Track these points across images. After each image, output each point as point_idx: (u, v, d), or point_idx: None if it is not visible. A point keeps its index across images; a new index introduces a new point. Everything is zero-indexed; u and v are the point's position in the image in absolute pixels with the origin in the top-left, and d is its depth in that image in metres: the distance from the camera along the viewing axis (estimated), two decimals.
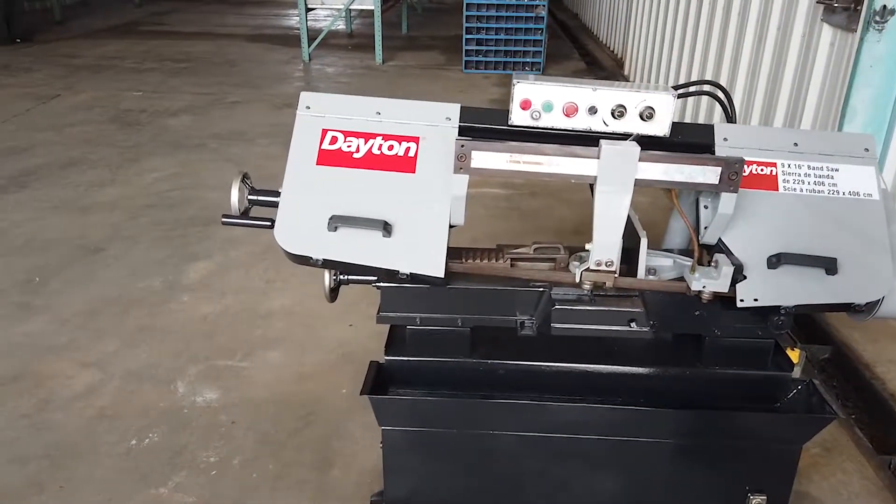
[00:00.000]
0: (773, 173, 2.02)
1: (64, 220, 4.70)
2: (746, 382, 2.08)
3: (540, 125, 1.97)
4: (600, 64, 10.00)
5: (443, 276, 1.91)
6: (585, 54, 10.97)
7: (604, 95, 1.94)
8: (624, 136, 1.94)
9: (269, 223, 2.02)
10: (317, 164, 1.99)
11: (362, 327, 3.43)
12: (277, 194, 2.03)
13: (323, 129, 2.02)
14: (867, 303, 1.92)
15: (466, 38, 9.52)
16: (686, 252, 2.14)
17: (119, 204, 4.97)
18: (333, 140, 2.02)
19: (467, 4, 9.35)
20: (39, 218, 4.71)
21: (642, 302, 1.96)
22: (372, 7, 10.10)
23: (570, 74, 9.66)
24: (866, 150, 2.04)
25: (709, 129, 2.07)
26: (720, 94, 2.22)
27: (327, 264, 1.95)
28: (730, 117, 2.21)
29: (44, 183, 5.32)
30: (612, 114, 1.96)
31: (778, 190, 2.00)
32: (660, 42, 7.46)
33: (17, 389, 3.00)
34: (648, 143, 1.87)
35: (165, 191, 5.24)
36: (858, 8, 3.46)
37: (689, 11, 6.43)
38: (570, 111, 1.95)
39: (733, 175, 1.83)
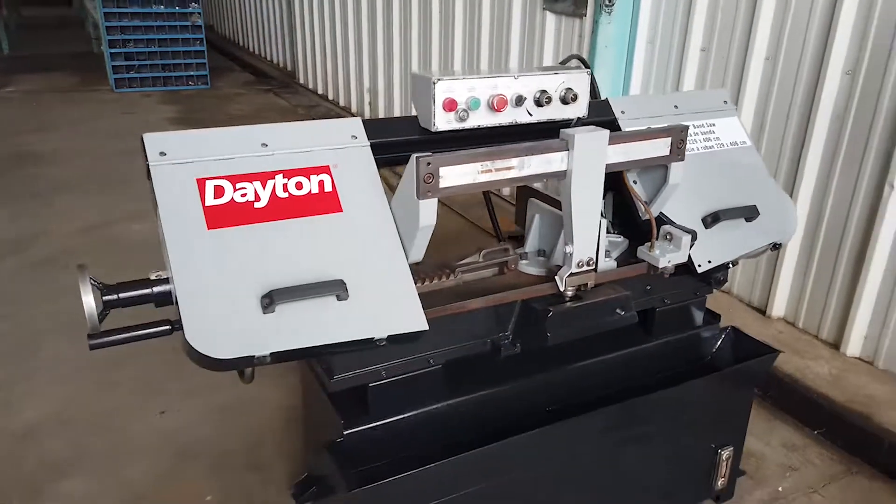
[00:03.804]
0: None
1: None
2: (692, 344, 2.13)
3: (466, 126, 1.69)
4: (267, 74, 9.59)
5: (427, 327, 1.52)
6: (245, 65, 10.42)
7: (526, 83, 1.75)
8: (559, 124, 1.79)
9: (167, 328, 1.45)
10: (208, 228, 1.42)
11: (180, 411, 2.66)
12: (147, 284, 1.46)
13: (198, 180, 1.46)
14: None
15: (112, 53, 8.22)
16: None
17: None
18: (219, 192, 1.46)
19: (106, 14, 8.06)
20: None
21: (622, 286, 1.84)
22: None
23: (242, 85, 9.08)
24: (725, 102, 2.21)
25: (605, 104, 2.03)
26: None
27: (278, 358, 1.40)
28: (595, 91, 2.20)
29: None
30: (538, 102, 1.79)
31: None
32: (341, 49, 7.43)
33: None
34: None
35: None
36: None
37: (376, 16, 6.49)
38: (501, 105, 1.71)
39: (680, 143, 1.81)
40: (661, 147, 1.79)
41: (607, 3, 3.67)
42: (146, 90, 8.43)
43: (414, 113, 1.73)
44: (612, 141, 1.70)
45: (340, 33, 7.33)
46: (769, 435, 2.60)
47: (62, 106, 7.63)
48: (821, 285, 3.10)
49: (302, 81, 8.80)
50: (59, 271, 3.82)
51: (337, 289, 1.43)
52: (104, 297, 1.43)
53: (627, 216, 1.98)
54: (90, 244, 4.17)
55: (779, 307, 3.29)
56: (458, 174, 1.53)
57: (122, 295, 1.45)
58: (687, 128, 1.81)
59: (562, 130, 1.67)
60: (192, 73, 8.68)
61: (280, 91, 8.63)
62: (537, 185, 2.09)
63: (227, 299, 1.38)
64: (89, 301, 1.40)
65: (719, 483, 2.17)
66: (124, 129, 6.76)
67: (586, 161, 1.66)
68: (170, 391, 2.77)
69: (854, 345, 2.99)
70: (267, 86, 8.98)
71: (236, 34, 12.08)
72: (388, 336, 1.48)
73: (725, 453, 2.13)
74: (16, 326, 3.26)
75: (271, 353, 1.39)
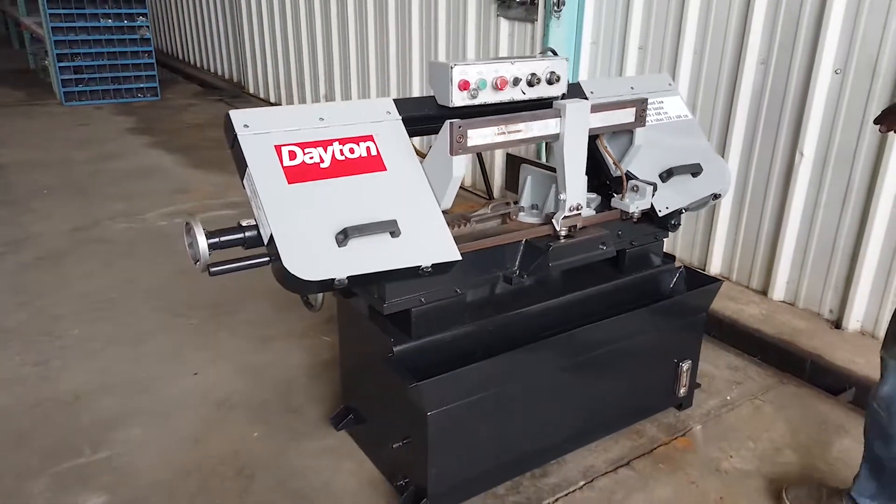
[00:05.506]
0: None
1: None
2: (655, 279, 2.62)
3: (477, 103, 2.11)
4: (215, 86, 9.75)
5: (460, 257, 1.93)
6: (191, 78, 10.53)
7: (520, 67, 2.18)
8: (546, 101, 2.22)
9: (267, 259, 1.81)
10: (288, 183, 1.82)
11: (210, 371, 2.98)
12: (241, 230, 1.84)
13: (276, 146, 1.85)
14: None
15: (60, 67, 8.25)
16: None
17: None
18: (292, 155, 1.86)
19: (53, 29, 8.11)
20: None
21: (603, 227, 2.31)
22: None
23: (192, 96, 9.23)
24: (669, 84, 2.71)
25: (578, 86, 2.50)
26: None
27: (351, 282, 1.80)
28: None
29: None
30: (529, 83, 2.22)
31: None
32: (294, 57, 7.73)
33: None
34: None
35: None
36: (535, 1, 4.35)
37: (330, 25, 6.86)
38: (503, 84, 2.13)
39: (642, 112, 2.30)
40: (628, 115, 2.27)
41: (556, 9, 4.18)
42: (97, 103, 8.48)
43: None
44: (592, 110, 2.17)
45: (293, 42, 7.62)
46: (716, 360, 3.13)
47: (14, 120, 7.62)
48: (749, 242, 3.68)
49: (252, 91, 9.03)
50: (59, 265, 4.03)
51: (392, 227, 1.83)
52: (209, 240, 1.79)
53: (598, 180, 2.44)
54: (81, 242, 4.36)
55: (715, 265, 3.85)
56: (480, 135, 1.96)
57: (222, 238, 1.81)
58: (647, 100, 2.29)
59: (554, 102, 2.12)
60: (142, 84, 8.77)
61: (231, 101, 8.84)
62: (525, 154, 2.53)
63: (310, 236, 1.77)
64: (202, 241, 1.76)
65: (681, 391, 2.66)
66: (84, 139, 6.88)
67: (575, 125, 2.11)
68: (195, 359, 3.08)
69: (779, 290, 3.56)
70: (217, 96, 9.16)
71: (176, 48, 12.13)
72: (432, 264, 1.90)
73: (685, 365, 2.62)
74: (35, 313, 3.47)
75: (347, 277, 1.78)
